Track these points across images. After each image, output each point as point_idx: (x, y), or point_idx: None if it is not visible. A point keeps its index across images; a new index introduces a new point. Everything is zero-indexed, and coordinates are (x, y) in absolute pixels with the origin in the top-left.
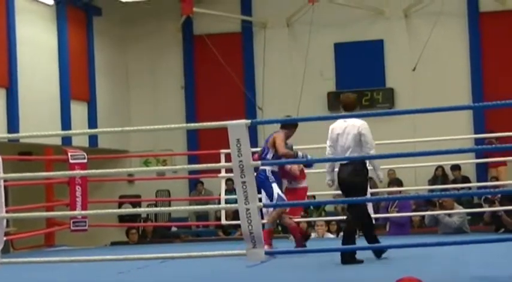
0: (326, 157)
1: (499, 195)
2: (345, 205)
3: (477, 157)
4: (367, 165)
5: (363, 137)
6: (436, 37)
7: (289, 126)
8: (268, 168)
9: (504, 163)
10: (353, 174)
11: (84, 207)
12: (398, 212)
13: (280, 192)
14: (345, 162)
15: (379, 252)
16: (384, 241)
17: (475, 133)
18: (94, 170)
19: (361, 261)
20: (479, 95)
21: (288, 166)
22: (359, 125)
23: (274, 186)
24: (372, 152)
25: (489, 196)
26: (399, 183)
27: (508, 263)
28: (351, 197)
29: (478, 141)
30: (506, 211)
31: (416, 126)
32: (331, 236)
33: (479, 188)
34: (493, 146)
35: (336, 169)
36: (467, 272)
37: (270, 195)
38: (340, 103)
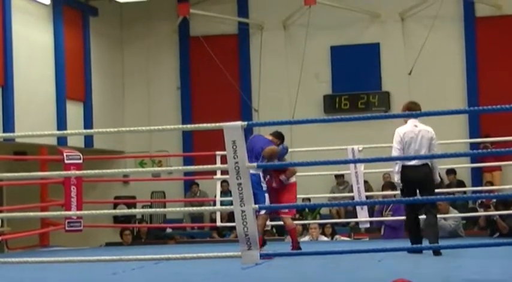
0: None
1: (494, 200)
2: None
3: (472, 162)
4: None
5: (434, 142)
6: (432, 41)
7: (282, 138)
8: (261, 174)
9: (499, 168)
10: (430, 174)
11: (79, 208)
12: (392, 215)
13: (268, 202)
14: (419, 163)
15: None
16: (378, 244)
17: (470, 137)
18: (89, 170)
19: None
20: (475, 99)
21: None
22: (432, 130)
23: (267, 196)
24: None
25: (484, 200)
26: (393, 186)
27: (501, 268)
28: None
29: (473, 146)
30: (500, 216)
31: None
32: (325, 238)
33: (474, 192)
34: (488, 150)
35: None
36: (459, 276)
37: (260, 201)
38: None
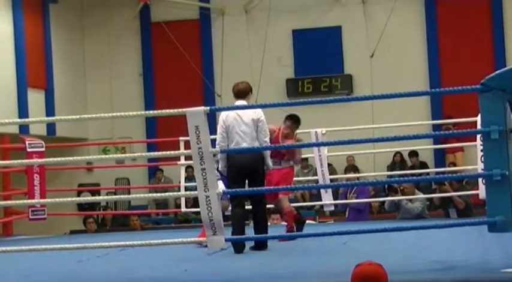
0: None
1: None
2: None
3: (435, 143)
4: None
5: (261, 124)
6: (393, 23)
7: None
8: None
9: (461, 149)
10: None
11: (42, 196)
12: (356, 198)
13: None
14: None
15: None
16: (343, 227)
17: (433, 119)
18: (52, 158)
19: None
20: (436, 81)
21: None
22: (259, 111)
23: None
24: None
25: None
26: (355, 169)
27: (465, 247)
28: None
29: (435, 127)
30: (455, 191)
31: (375, 113)
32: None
33: (437, 173)
34: (450, 131)
35: None
36: (425, 258)
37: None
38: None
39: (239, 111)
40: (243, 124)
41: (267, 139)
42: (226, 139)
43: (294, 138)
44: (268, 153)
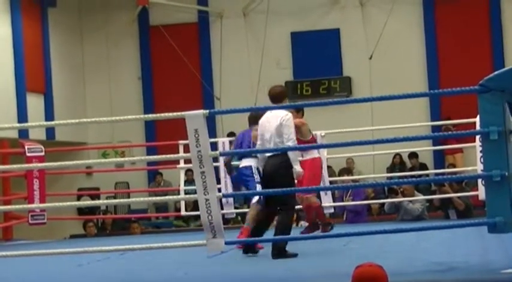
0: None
1: None
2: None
3: (434, 144)
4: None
5: (284, 128)
6: (391, 25)
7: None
8: (253, 164)
9: (460, 150)
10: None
11: (42, 201)
12: (353, 200)
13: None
14: (269, 154)
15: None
16: (341, 229)
17: (432, 120)
18: (51, 162)
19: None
20: (435, 82)
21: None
22: (283, 114)
23: (259, 187)
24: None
25: None
26: (349, 171)
27: (466, 248)
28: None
29: (434, 129)
30: (455, 193)
31: (374, 115)
32: None
33: (436, 174)
34: (449, 133)
35: None
36: (425, 259)
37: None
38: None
39: (269, 116)
40: (268, 130)
41: (290, 143)
42: (262, 144)
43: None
44: (295, 157)
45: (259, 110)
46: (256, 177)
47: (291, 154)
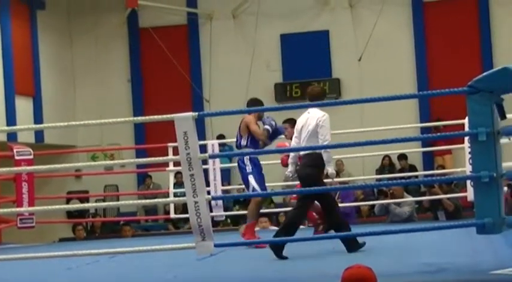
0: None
1: None
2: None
3: (423, 146)
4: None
5: (319, 129)
6: (380, 27)
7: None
8: (244, 158)
9: (449, 151)
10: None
11: (31, 204)
12: (341, 202)
13: (256, 186)
14: (303, 154)
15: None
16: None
17: (421, 121)
18: (40, 165)
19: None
20: (425, 84)
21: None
22: (320, 115)
23: (251, 178)
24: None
25: None
26: (337, 173)
27: (457, 248)
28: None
29: (423, 130)
30: (445, 194)
31: (363, 116)
32: (276, 228)
33: (426, 176)
34: (437, 134)
35: None
36: (415, 260)
37: (246, 185)
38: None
39: (305, 116)
40: (305, 130)
41: (326, 144)
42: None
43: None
44: (328, 158)
45: (249, 112)
46: (249, 168)
47: (325, 155)
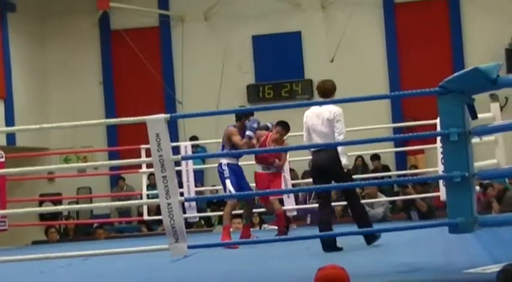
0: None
1: None
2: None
3: (396, 146)
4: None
5: (337, 123)
6: (352, 28)
7: (242, 118)
8: (224, 161)
9: (422, 151)
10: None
11: (3, 207)
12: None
13: (232, 189)
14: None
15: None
16: (305, 232)
17: (393, 122)
18: (13, 168)
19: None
20: (397, 84)
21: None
22: (335, 109)
23: (228, 182)
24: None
25: None
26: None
27: (432, 249)
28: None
29: (396, 130)
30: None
31: None
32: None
33: (399, 176)
34: (410, 134)
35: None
36: (390, 261)
37: (224, 189)
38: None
39: (317, 111)
40: (320, 124)
41: (341, 137)
42: (309, 138)
43: (282, 144)
44: (343, 152)
45: (221, 114)
46: (226, 174)
47: (340, 148)
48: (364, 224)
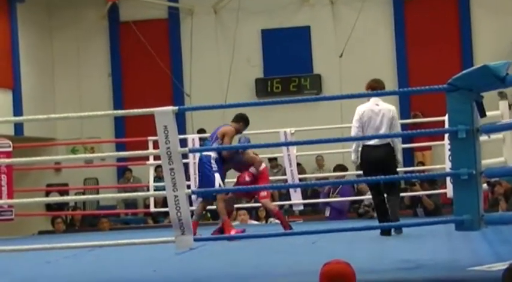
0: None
1: None
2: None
3: (403, 142)
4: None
5: (395, 121)
6: (361, 24)
7: (241, 121)
8: (213, 155)
9: (429, 147)
10: (391, 154)
11: (10, 196)
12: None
13: (221, 183)
14: (380, 143)
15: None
16: (321, 226)
17: (401, 118)
18: (20, 158)
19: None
20: (405, 80)
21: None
22: (393, 109)
23: (217, 176)
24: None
25: None
26: (343, 168)
27: (433, 246)
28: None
29: (404, 127)
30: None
31: (344, 112)
32: (254, 222)
33: (405, 172)
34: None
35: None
36: (392, 257)
37: (210, 182)
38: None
39: (374, 108)
40: (378, 121)
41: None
42: (361, 133)
43: (255, 159)
44: (399, 148)
45: (229, 107)
46: (214, 167)
47: (398, 145)
48: (395, 218)
